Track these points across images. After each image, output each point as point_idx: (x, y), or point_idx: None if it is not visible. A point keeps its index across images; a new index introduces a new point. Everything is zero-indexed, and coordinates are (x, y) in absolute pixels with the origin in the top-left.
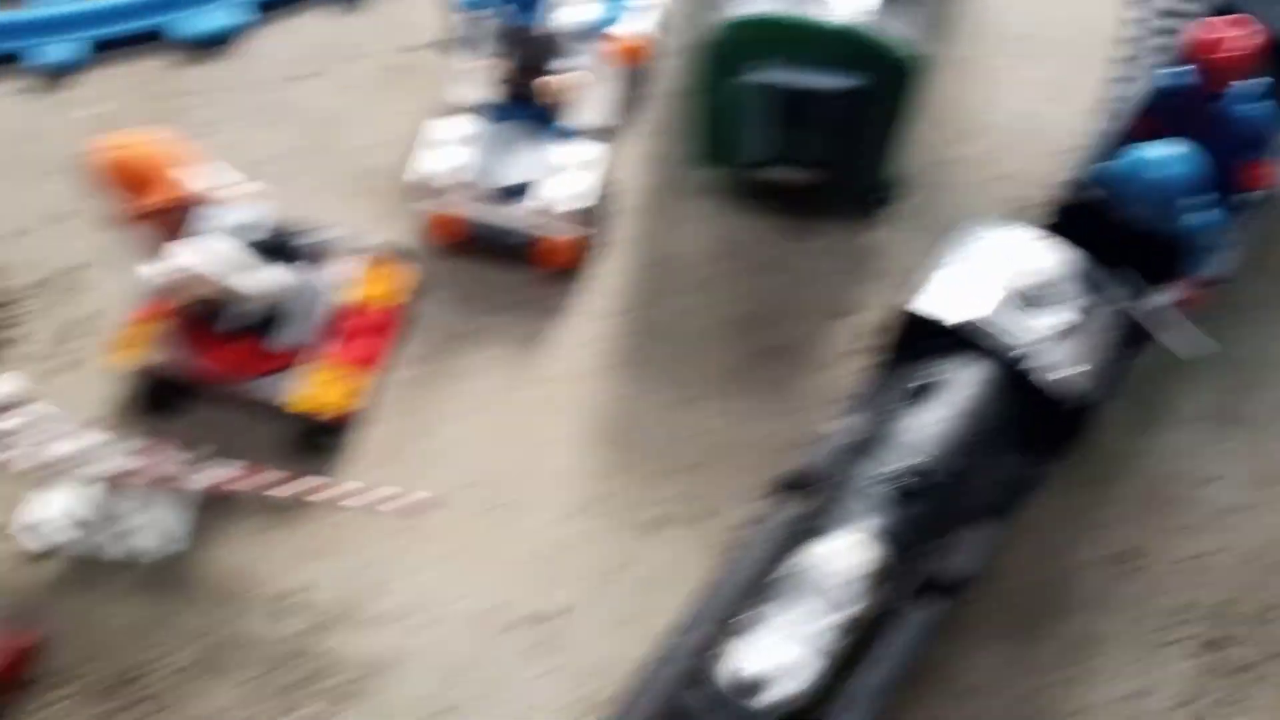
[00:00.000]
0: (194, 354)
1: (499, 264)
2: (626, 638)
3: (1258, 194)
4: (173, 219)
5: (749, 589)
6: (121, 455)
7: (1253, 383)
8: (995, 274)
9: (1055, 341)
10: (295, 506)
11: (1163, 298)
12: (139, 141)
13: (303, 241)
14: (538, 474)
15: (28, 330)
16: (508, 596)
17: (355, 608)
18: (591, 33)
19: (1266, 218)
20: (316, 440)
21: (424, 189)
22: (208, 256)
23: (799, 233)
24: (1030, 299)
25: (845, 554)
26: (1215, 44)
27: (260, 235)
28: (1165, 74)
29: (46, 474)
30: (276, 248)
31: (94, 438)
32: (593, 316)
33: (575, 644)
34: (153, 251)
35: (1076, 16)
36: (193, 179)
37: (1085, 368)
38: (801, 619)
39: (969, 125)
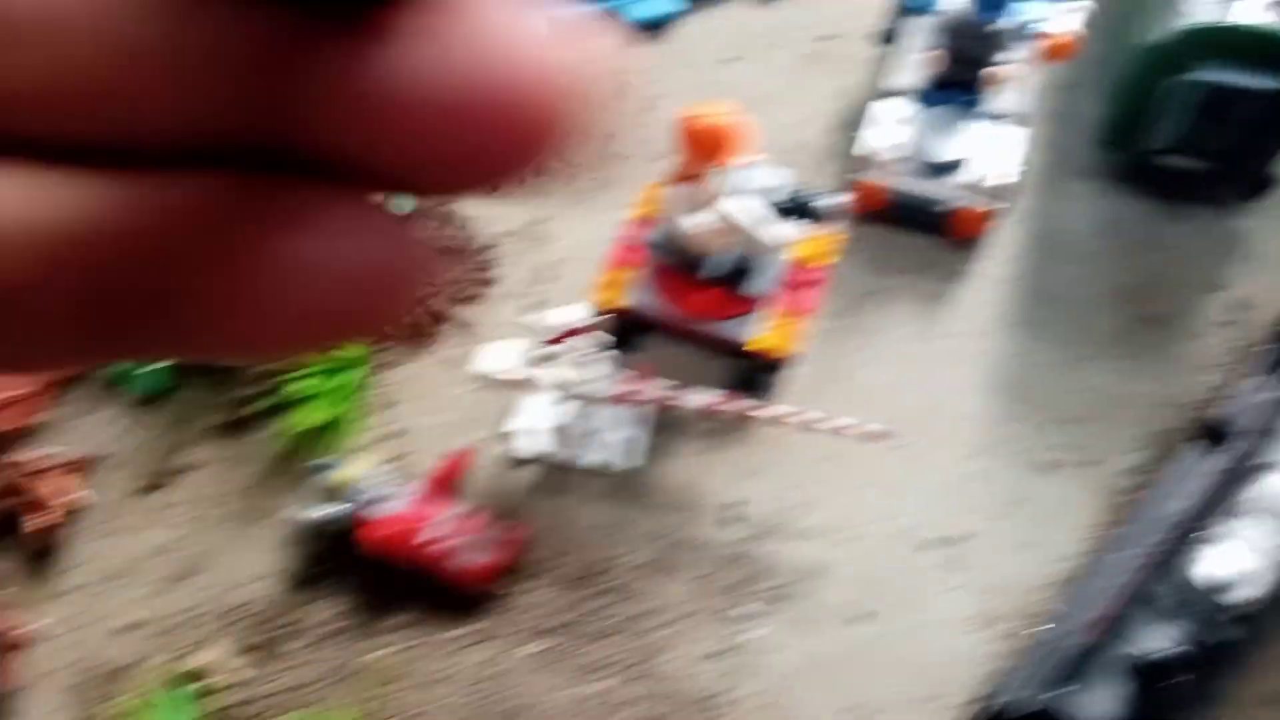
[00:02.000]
0: (669, 298)
1: (907, 232)
2: (1025, 561)
3: None
4: (710, 181)
5: (1193, 514)
6: (617, 380)
7: None
8: None
9: None
10: (739, 430)
11: None
12: (718, 112)
13: (811, 204)
14: (943, 416)
15: (503, 272)
16: (919, 520)
17: (786, 522)
18: (1029, 29)
19: None
20: (758, 378)
21: (862, 162)
22: (747, 212)
23: (1176, 215)
24: None
25: None
26: None
27: (780, 197)
28: None
29: (557, 391)
30: (790, 208)
31: (602, 364)
32: (991, 281)
33: (978, 565)
34: (683, 207)
35: None
36: (741, 146)
37: None
38: (1262, 536)
39: None
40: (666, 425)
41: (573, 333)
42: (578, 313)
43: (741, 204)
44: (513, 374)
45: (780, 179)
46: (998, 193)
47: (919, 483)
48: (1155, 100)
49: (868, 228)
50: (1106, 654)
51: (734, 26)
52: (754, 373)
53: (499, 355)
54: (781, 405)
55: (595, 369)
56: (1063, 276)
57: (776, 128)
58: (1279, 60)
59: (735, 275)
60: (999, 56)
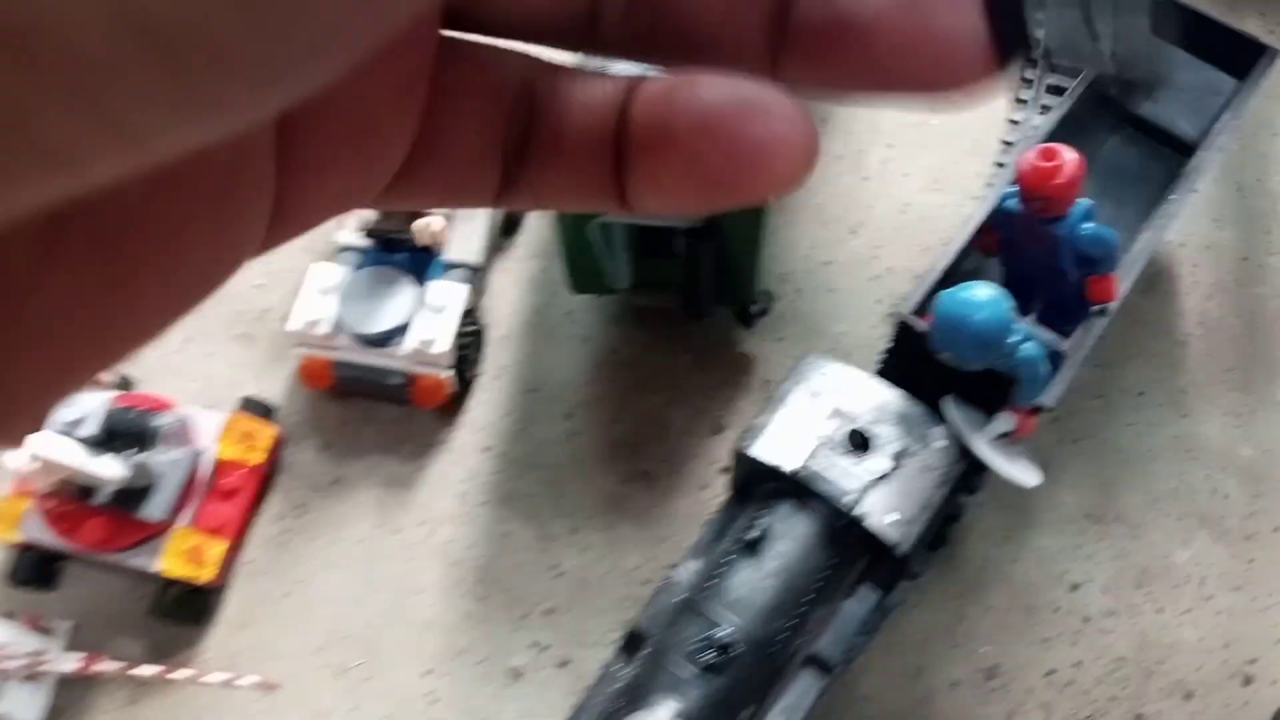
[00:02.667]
0: (61, 529)
1: (371, 408)
2: None
3: (1099, 309)
4: None
5: None
6: None
7: (1121, 478)
8: (825, 416)
9: (880, 486)
10: (154, 682)
11: (992, 430)
12: None
13: (142, 425)
14: (401, 626)
15: None
16: None
17: None
18: None
19: (1106, 328)
20: (185, 605)
21: (298, 336)
22: (60, 448)
23: (674, 350)
24: (858, 442)
25: None
26: (1041, 176)
27: (93, 429)
28: (1004, 195)
29: None
30: (118, 433)
31: None
32: (466, 453)
33: None
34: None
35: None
36: None
37: (910, 512)
38: None
39: (846, 223)
40: (79, 681)
41: None
42: None
43: (51, 441)
44: None
45: (87, 407)
46: (451, 357)
47: (369, 712)
48: (594, 244)
49: (325, 405)
50: None
51: None
52: (177, 602)
53: None
54: (193, 640)
55: None
56: (547, 436)
57: (238, 292)
58: None
59: (130, 497)
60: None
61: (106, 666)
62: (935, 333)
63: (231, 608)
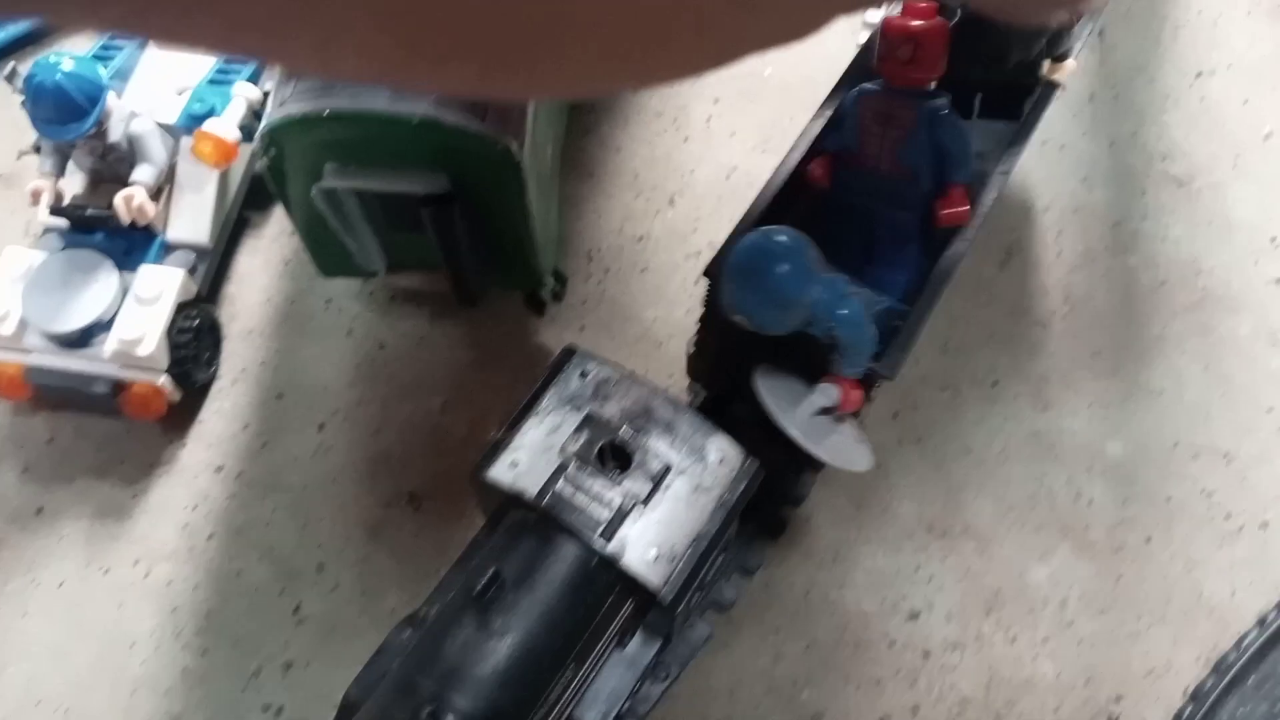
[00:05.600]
0: None
1: (82, 421)
2: None
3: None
4: None
5: None
6: None
7: (970, 483)
8: (579, 426)
9: (642, 513)
10: None
11: (809, 406)
12: None
13: None
14: (107, 687)
15: None
16: None
17: None
18: (178, 132)
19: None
20: None
21: None
22: None
23: (454, 344)
24: (619, 458)
25: None
26: (913, 13)
27: None
28: (847, 92)
29: None
30: None
31: None
32: (194, 473)
33: None
34: None
35: (792, 52)
36: None
37: (676, 547)
38: None
39: (664, 191)
40: None
41: None
42: None
43: None
44: None
45: None
46: (173, 357)
47: None
48: (330, 221)
49: (27, 420)
50: None
51: None
52: None
53: None
54: None
55: None
56: (297, 451)
57: None
58: (429, 154)
59: None
60: (137, 174)
61: None
62: (724, 291)
63: None
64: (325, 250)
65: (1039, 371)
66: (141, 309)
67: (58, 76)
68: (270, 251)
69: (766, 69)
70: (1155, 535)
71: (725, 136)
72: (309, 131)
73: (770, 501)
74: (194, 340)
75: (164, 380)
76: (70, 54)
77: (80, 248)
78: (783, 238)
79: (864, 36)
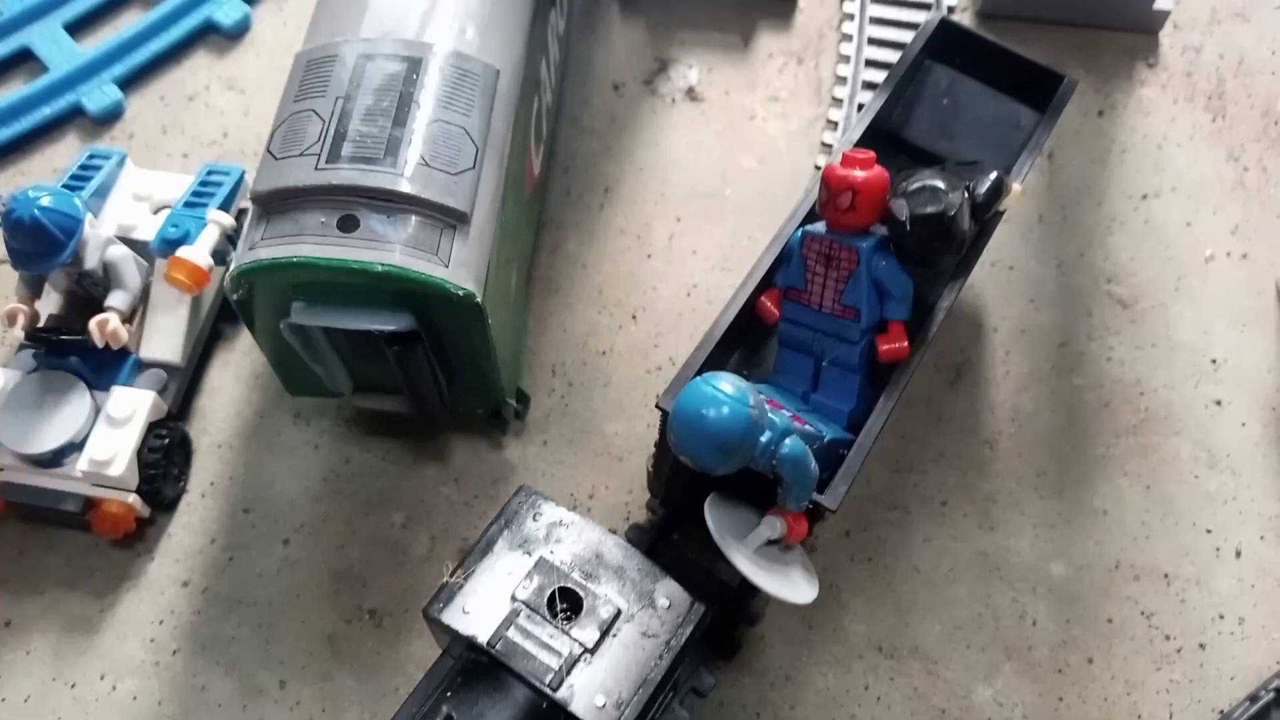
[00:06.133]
0: None
1: (53, 533)
2: None
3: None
4: None
5: None
6: None
7: (918, 603)
8: (530, 569)
9: (591, 660)
10: None
11: (756, 538)
12: None
13: None
14: None
15: None
16: None
17: None
18: (153, 254)
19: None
20: None
21: None
22: None
23: (419, 459)
24: (570, 603)
25: None
26: (849, 164)
27: None
28: (793, 233)
29: None
30: None
31: None
32: (161, 588)
33: None
34: None
35: (752, 171)
36: None
37: (623, 693)
38: None
39: (627, 307)
40: None
41: None
42: None
43: None
44: None
45: None
46: (140, 476)
47: None
48: (293, 344)
49: (8, 526)
50: None
51: None
52: None
53: None
54: None
55: None
56: (263, 567)
57: None
58: (390, 295)
59: None
60: (112, 299)
61: None
62: (672, 432)
63: None
64: (293, 373)
65: (986, 491)
66: (113, 430)
67: (35, 212)
68: (241, 365)
69: (727, 189)
70: (1096, 656)
71: (687, 254)
72: (278, 274)
73: (725, 622)
74: (164, 459)
75: (134, 499)
76: (48, 188)
77: (54, 369)
78: (726, 386)
79: (823, 162)
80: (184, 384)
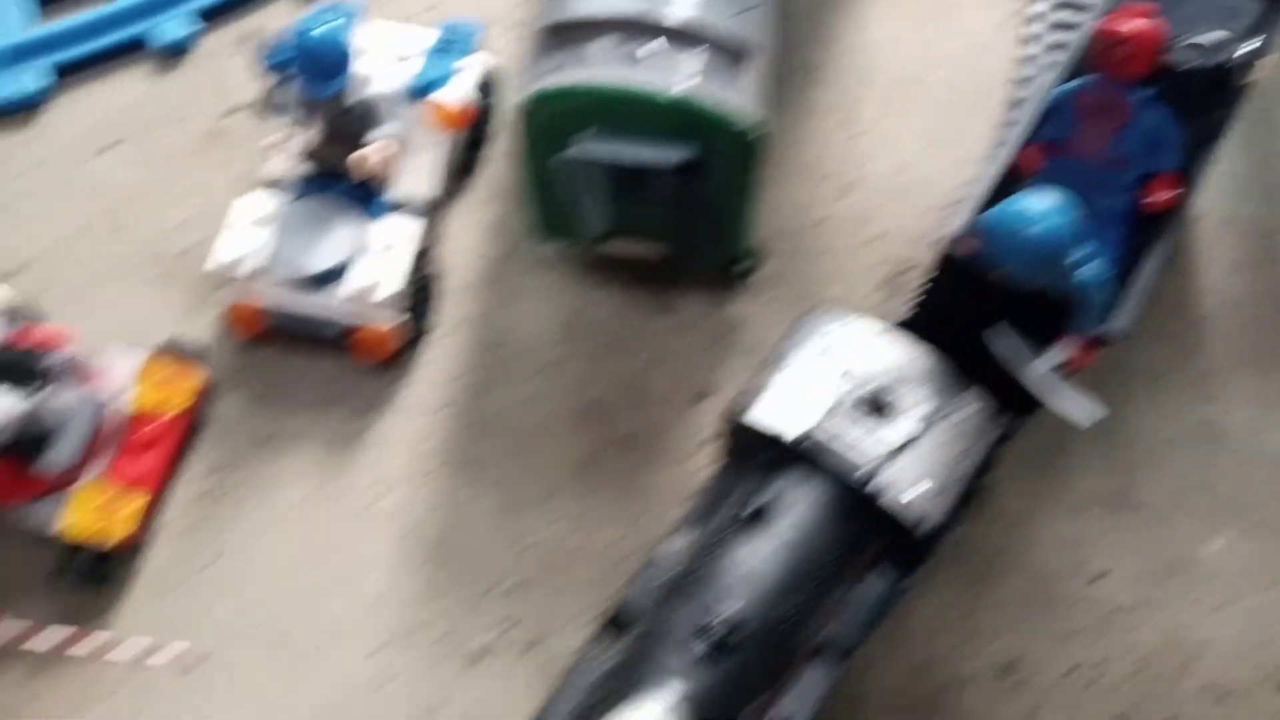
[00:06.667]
0: None
1: (310, 357)
2: None
3: (1164, 228)
4: None
5: None
6: None
7: (1146, 463)
8: (836, 376)
9: (900, 456)
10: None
11: (1049, 360)
12: None
13: (30, 363)
14: (345, 599)
15: None
16: None
17: None
18: (412, 97)
19: (1166, 266)
20: (93, 570)
21: (224, 277)
22: None
23: (653, 308)
24: (875, 405)
25: None
26: (1128, 13)
27: None
28: (1062, 87)
29: None
30: (7, 368)
31: None
32: (418, 412)
33: None
34: None
35: (957, 58)
36: None
37: (933, 485)
38: None
39: (839, 181)
40: None
41: None
42: None
43: None
44: None
45: None
46: (399, 304)
47: (311, 695)
48: (560, 180)
49: (257, 356)
50: None
51: (123, 102)
52: (87, 565)
53: None
54: (105, 607)
55: None
56: (510, 398)
57: (155, 232)
58: (676, 128)
59: (25, 446)
60: (375, 134)
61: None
62: (990, 246)
63: (149, 572)
64: (550, 214)
65: (1200, 368)
66: (377, 258)
67: (330, 31)
68: (482, 214)
69: (932, 75)
70: None
71: (895, 136)
72: (562, 104)
73: None
74: (422, 290)
75: (393, 325)
76: (330, 14)
77: (319, 199)
78: (1056, 199)
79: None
80: (436, 223)
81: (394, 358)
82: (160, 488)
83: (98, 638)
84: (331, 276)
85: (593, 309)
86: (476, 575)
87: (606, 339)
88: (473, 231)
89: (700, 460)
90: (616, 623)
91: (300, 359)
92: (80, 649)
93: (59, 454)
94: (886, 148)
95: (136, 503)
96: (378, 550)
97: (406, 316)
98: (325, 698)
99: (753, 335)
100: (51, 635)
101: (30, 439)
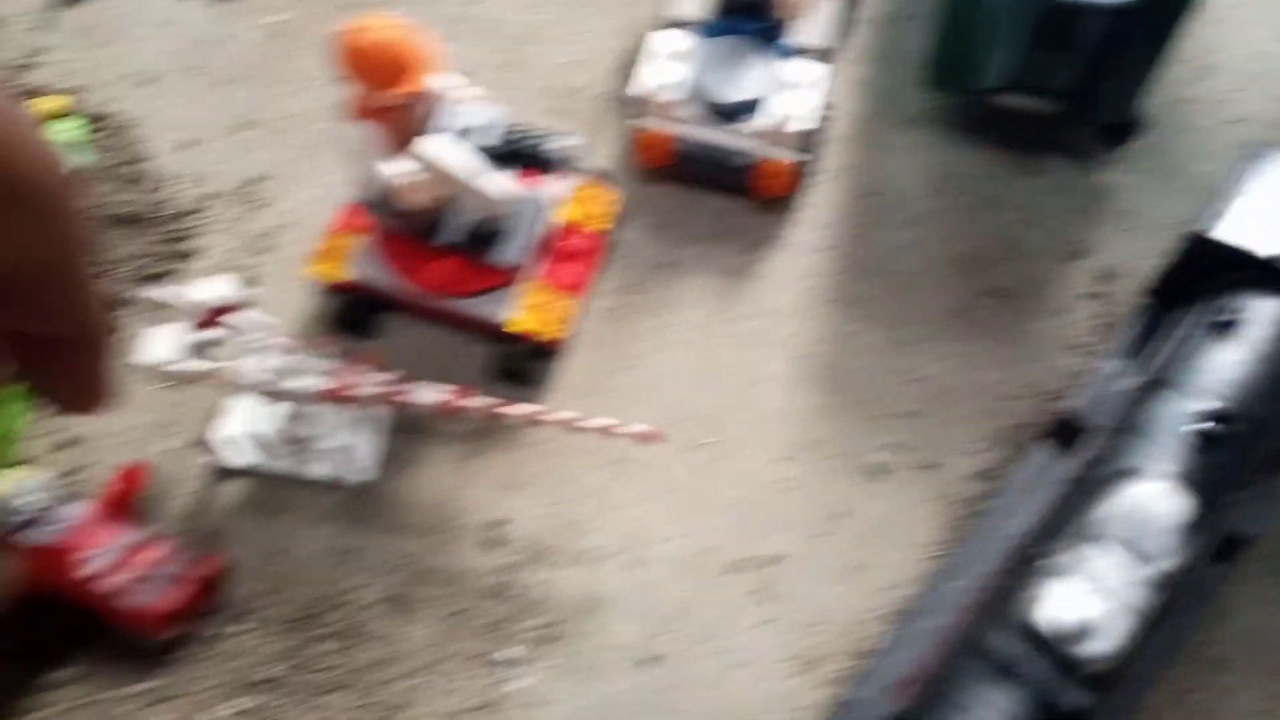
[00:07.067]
0: (400, 269)
1: (705, 190)
2: (846, 590)
3: None
4: (408, 116)
5: (1036, 536)
6: (325, 373)
7: None
8: None
9: None
10: (498, 434)
11: None
12: (390, 26)
13: (540, 149)
14: (747, 413)
15: (205, 244)
16: (719, 540)
17: (557, 545)
18: None
19: None
20: (526, 366)
21: (640, 106)
22: (455, 155)
23: (1025, 168)
24: None
25: (1154, 502)
26: None
27: (493, 140)
28: None
29: (249, 387)
30: (508, 154)
31: (301, 352)
32: (804, 250)
33: (791, 595)
34: (381, 151)
35: None
36: (431, 74)
37: None
38: (1109, 571)
39: (1199, 65)
40: (409, 429)
41: (220, 311)
42: (222, 287)
43: (446, 146)
44: (186, 365)
45: (491, 118)
46: (801, 141)
47: (719, 494)
48: (982, 25)
49: (658, 186)
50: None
51: None
52: (517, 360)
53: (160, 342)
54: (533, 402)
55: (277, 357)
56: (888, 244)
57: (545, 69)
58: None
59: (480, 241)
60: None
61: (476, 403)
62: None
63: (570, 375)
64: (949, 63)
65: None
66: (792, 94)
67: None
68: (850, 74)
69: None
70: None
71: (1248, 24)
72: None
73: None
74: (819, 132)
75: (795, 162)
76: None
77: (730, 37)
78: None
79: None
80: (832, 71)
81: (785, 195)
82: (584, 296)
83: (562, 412)
84: (745, 110)
85: (963, 166)
86: (868, 402)
87: (977, 195)
88: (843, 89)
89: (1077, 315)
90: (1063, 434)
91: (693, 195)
92: (549, 419)
93: (511, 250)
94: (1241, 35)
95: (568, 307)
96: (773, 371)
97: (805, 157)
98: (737, 494)
99: (1124, 203)
100: (522, 409)
101: (486, 232)
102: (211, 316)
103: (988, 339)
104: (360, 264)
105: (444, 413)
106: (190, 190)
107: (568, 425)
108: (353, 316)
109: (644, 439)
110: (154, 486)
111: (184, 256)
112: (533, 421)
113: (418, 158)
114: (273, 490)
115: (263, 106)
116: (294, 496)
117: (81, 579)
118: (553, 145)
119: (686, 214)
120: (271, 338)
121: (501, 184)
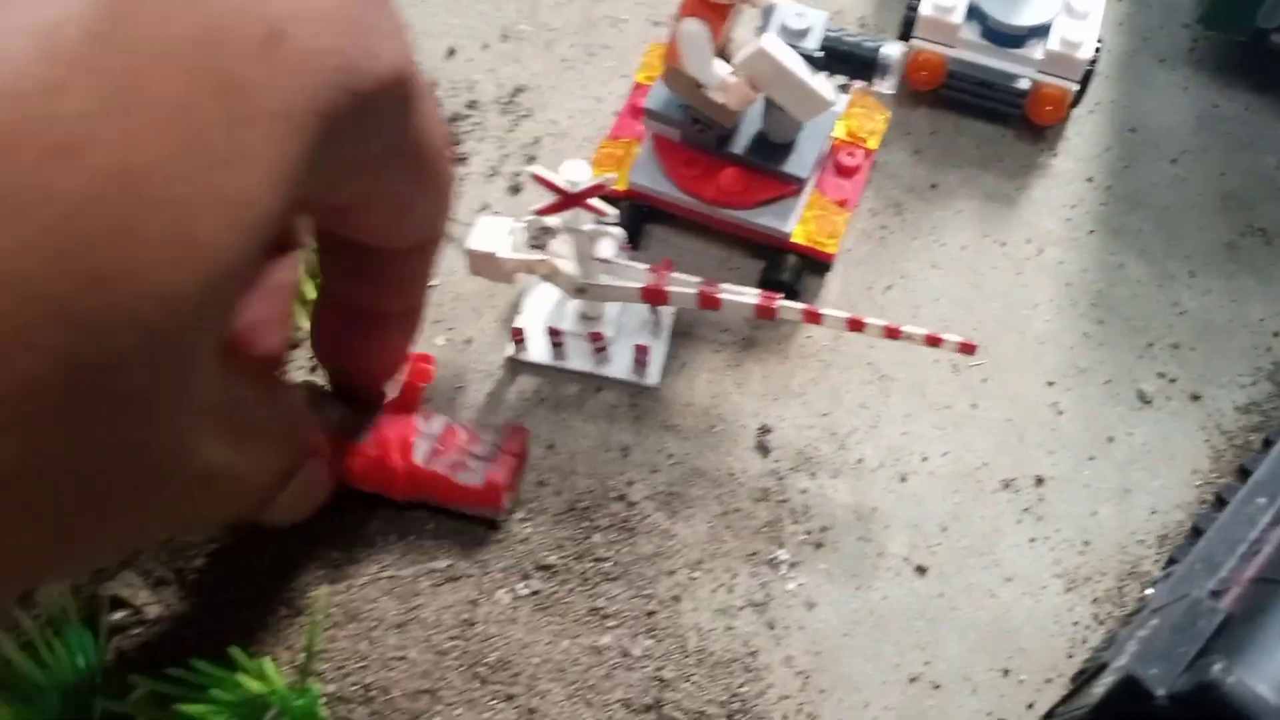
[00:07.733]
0: (681, 179)
1: (960, 122)
2: (1114, 513)
3: None
4: (731, 16)
5: None
6: (644, 271)
7: None
8: None
9: None
10: (776, 343)
11: None
12: None
13: (860, 52)
14: (1012, 337)
15: (470, 150)
16: (987, 459)
17: (826, 455)
18: None
19: None
20: (799, 278)
21: (918, 25)
22: (792, 57)
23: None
24: None
25: None
26: None
27: (812, 43)
28: None
29: (571, 280)
30: (829, 58)
31: (624, 249)
32: (1067, 180)
33: (1058, 514)
34: (708, 50)
35: None
36: None
37: None
38: None
39: None
40: (687, 335)
41: (588, 194)
42: (586, 170)
43: (783, 46)
44: (515, 255)
45: (811, 19)
46: (1077, 70)
47: (987, 414)
48: None
49: (923, 108)
50: (1263, 623)
51: None
52: (788, 273)
53: (493, 231)
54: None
55: (610, 250)
56: (1149, 179)
57: None
58: None
59: (766, 152)
60: None
61: (793, 305)
62: None
63: (833, 292)
64: (1228, 4)
65: None
66: (1078, 22)
67: None
68: (1108, 10)
69: None
70: None
71: None
72: None
73: None
74: (1093, 62)
75: (1070, 91)
76: None
77: None
78: None
79: None
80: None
81: (1054, 123)
82: (852, 211)
83: (879, 319)
84: (1031, 35)
85: (1222, 108)
86: (1135, 331)
87: (1237, 135)
88: (1108, 25)
89: None
90: None
91: (951, 122)
92: (869, 324)
93: (801, 161)
94: None
95: (843, 220)
96: (1040, 297)
97: (1078, 87)
98: (1004, 415)
99: None
100: (839, 314)
101: (776, 143)
102: (579, 198)
103: (1252, 277)
104: (639, 172)
105: (760, 315)
106: (457, 98)
107: (888, 332)
108: (625, 226)
109: (964, 349)
110: (439, 378)
111: (454, 162)
112: (852, 327)
113: (758, 57)
114: (555, 386)
115: (530, 16)
116: (575, 393)
117: (416, 467)
118: (875, 49)
119: (949, 139)
120: (610, 227)
121: (830, 88)
